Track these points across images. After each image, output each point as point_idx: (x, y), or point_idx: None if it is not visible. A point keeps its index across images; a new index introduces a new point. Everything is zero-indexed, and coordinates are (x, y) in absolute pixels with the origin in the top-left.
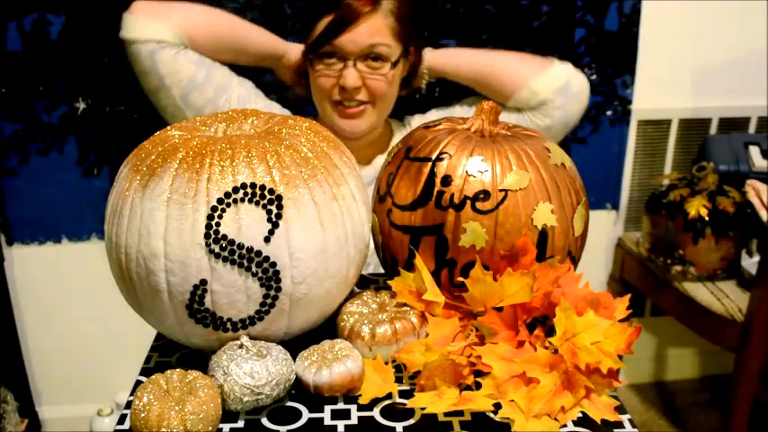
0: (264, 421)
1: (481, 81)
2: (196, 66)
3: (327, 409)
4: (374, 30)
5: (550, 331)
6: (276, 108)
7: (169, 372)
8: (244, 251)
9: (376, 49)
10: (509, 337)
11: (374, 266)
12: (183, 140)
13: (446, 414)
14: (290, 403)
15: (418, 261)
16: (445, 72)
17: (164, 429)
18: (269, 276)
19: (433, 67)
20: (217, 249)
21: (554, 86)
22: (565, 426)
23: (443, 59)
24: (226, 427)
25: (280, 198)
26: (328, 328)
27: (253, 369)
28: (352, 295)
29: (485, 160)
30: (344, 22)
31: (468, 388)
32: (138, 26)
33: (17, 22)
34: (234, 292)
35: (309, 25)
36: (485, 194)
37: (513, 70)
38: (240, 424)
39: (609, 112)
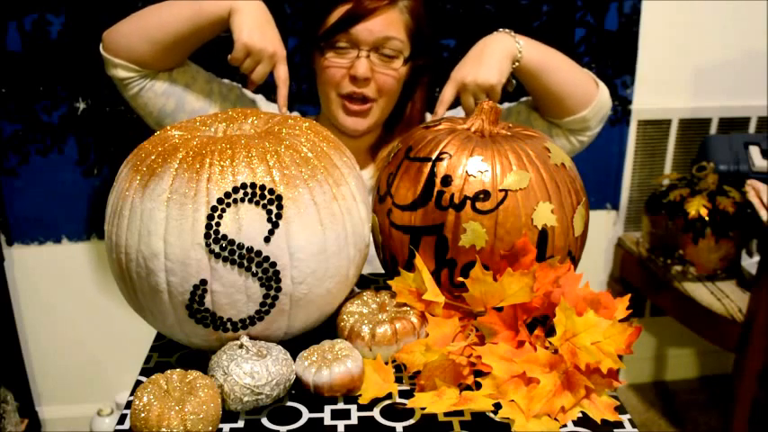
0: (264, 421)
1: (545, 98)
2: (164, 97)
3: (327, 409)
4: (389, 23)
5: (550, 331)
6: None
7: (169, 372)
8: (244, 251)
9: (389, 43)
10: (509, 337)
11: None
12: (183, 140)
13: (446, 414)
14: (290, 403)
15: (418, 261)
16: (530, 73)
17: (164, 429)
18: (269, 276)
19: (526, 63)
20: (217, 249)
21: (601, 115)
22: (565, 426)
23: (537, 58)
24: (226, 427)
25: (280, 198)
26: (328, 328)
27: (253, 369)
28: (352, 295)
29: (485, 160)
30: (362, 11)
31: (469, 388)
32: (105, 64)
33: (17, 22)
34: (234, 292)
35: (323, 14)
36: (485, 194)
37: (575, 95)
38: (240, 424)
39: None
